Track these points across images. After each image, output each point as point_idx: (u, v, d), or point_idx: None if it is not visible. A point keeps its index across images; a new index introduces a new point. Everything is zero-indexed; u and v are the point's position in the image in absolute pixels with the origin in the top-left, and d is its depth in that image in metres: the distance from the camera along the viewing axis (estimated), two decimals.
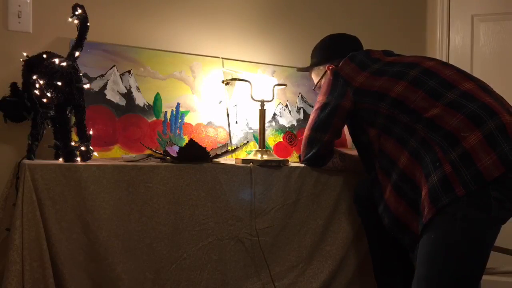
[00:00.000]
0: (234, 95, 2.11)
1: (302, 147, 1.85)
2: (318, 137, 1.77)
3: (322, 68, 1.95)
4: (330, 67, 1.81)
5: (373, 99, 1.62)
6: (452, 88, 1.49)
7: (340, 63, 1.77)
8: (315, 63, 2.01)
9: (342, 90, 1.71)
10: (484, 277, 2.24)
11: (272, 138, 2.18)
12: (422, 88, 1.53)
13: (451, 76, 1.53)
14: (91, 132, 1.61)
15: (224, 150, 1.82)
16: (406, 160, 1.51)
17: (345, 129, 2.40)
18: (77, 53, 1.60)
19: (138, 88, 1.95)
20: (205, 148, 1.68)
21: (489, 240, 1.39)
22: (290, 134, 2.23)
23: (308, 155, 1.81)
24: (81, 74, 1.59)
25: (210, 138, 2.05)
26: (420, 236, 1.44)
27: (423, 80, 1.55)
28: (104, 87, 1.88)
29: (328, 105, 1.73)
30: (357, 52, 1.81)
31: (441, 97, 1.47)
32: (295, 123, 2.26)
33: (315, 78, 2.03)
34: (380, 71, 1.67)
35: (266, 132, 2.07)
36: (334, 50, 1.94)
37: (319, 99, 1.80)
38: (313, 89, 2.07)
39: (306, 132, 1.82)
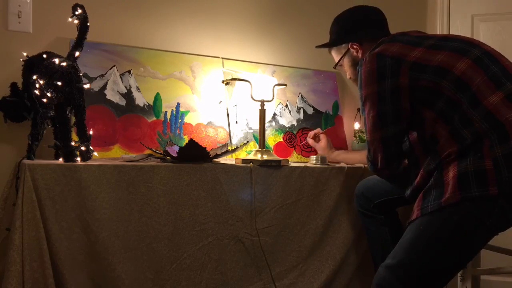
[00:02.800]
0: (234, 95, 2.11)
1: (373, 153, 1.56)
2: (390, 132, 1.50)
3: (344, 46, 1.79)
4: (355, 46, 1.71)
5: (434, 75, 1.42)
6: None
7: (380, 47, 1.55)
8: (335, 41, 1.82)
9: (394, 68, 1.47)
10: (485, 277, 2.26)
11: (272, 138, 2.18)
12: (485, 70, 1.40)
13: (510, 66, 1.42)
14: (91, 132, 1.61)
15: (224, 150, 1.82)
16: (453, 151, 1.38)
17: (345, 127, 2.41)
18: (77, 53, 1.60)
19: (138, 88, 1.95)
20: (205, 148, 1.68)
21: (479, 245, 1.39)
22: (290, 134, 2.23)
23: (385, 158, 1.53)
24: (81, 74, 1.59)
25: (210, 138, 2.05)
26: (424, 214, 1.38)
27: (485, 62, 1.42)
28: (104, 87, 1.88)
29: (384, 93, 1.48)
30: (396, 34, 1.63)
31: (502, 86, 1.36)
32: (295, 123, 2.26)
33: (335, 56, 1.85)
34: (437, 46, 1.49)
35: (266, 132, 2.07)
36: (356, 26, 1.76)
37: (367, 91, 1.52)
38: (334, 68, 1.89)
39: (371, 134, 1.54)
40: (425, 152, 1.50)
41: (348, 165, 1.96)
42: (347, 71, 1.84)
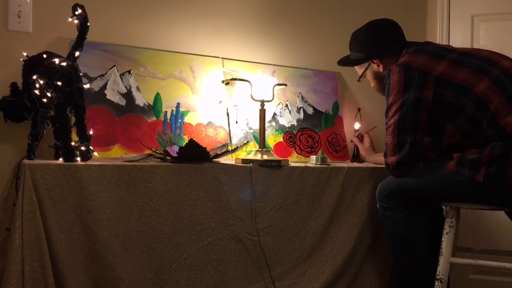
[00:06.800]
0: (234, 95, 2.11)
1: (388, 155, 1.73)
2: (407, 139, 1.67)
3: (365, 63, 1.93)
4: (375, 61, 1.84)
5: (456, 92, 1.59)
6: None
7: (405, 57, 1.71)
8: (357, 61, 1.94)
9: (420, 81, 1.62)
10: (483, 277, 2.28)
11: (272, 138, 2.18)
12: (503, 90, 1.55)
13: None
14: (91, 132, 1.61)
15: (224, 150, 1.82)
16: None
17: (345, 127, 2.40)
18: (77, 53, 1.60)
19: (138, 88, 1.94)
20: (205, 148, 1.68)
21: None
22: (290, 134, 2.23)
23: (398, 162, 1.69)
24: (81, 74, 1.59)
25: (210, 138, 2.05)
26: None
27: (503, 82, 1.56)
28: (104, 87, 1.88)
29: (407, 102, 1.64)
30: (421, 44, 1.78)
31: None
32: (295, 123, 2.26)
33: (358, 69, 1.99)
34: (459, 61, 1.64)
35: (266, 132, 2.07)
36: (376, 43, 1.87)
37: (392, 99, 1.68)
38: (358, 80, 2.02)
39: (389, 137, 1.71)
40: (437, 153, 1.72)
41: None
42: (371, 81, 1.97)
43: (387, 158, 1.74)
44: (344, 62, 2.02)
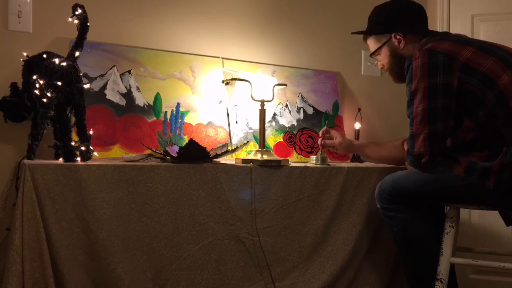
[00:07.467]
0: (234, 95, 2.11)
1: (417, 147, 1.59)
2: (439, 128, 1.55)
3: (385, 35, 1.78)
4: (398, 36, 1.72)
5: (481, 82, 1.51)
6: None
7: (428, 45, 1.60)
8: (377, 29, 1.81)
9: (446, 65, 1.52)
10: (483, 277, 2.28)
11: (272, 138, 2.18)
12: None
13: None
14: (91, 132, 1.61)
15: (224, 150, 1.82)
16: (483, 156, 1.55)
17: (345, 127, 2.40)
18: (77, 53, 1.60)
19: (138, 88, 1.95)
20: (205, 148, 1.68)
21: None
22: (290, 134, 2.23)
23: (431, 154, 1.57)
24: (81, 74, 1.59)
25: (210, 138, 2.05)
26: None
27: None
28: (104, 87, 1.88)
29: (436, 87, 1.52)
30: (441, 33, 1.71)
31: None
32: (295, 123, 2.26)
33: (373, 44, 1.84)
34: (485, 48, 1.57)
35: (266, 132, 2.07)
36: (402, 17, 1.76)
37: (417, 85, 1.56)
38: (370, 56, 1.89)
39: (419, 127, 1.58)
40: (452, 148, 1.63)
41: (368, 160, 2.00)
42: (382, 60, 1.84)
43: (416, 152, 1.59)
44: (361, 31, 1.87)
